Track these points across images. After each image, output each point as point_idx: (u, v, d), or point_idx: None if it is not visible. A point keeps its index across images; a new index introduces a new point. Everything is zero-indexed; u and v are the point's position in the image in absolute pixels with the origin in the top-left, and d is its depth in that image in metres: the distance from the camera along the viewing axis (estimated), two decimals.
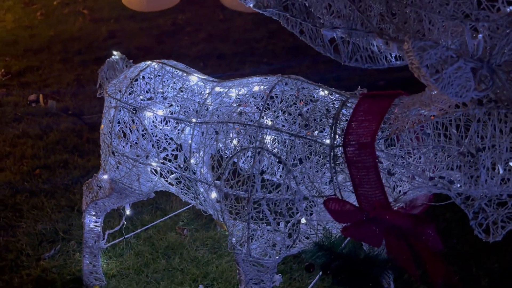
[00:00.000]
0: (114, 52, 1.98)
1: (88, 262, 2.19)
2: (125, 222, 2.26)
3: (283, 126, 1.43)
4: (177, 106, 1.68)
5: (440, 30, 1.14)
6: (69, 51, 4.68)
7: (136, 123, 1.71)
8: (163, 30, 5.12)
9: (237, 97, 1.56)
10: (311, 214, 1.42)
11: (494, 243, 2.41)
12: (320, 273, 1.51)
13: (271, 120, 1.44)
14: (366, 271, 1.38)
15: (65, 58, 4.55)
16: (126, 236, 2.36)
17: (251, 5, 1.36)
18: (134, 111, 1.71)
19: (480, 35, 1.09)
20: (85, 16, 5.57)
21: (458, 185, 1.22)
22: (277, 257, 1.52)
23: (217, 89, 1.66)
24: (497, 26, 1.05)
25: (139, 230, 2.45)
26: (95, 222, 2.10)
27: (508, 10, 1.04)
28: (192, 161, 1.62)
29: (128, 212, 2.13)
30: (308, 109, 1.42)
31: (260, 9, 1.34)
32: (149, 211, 2.64)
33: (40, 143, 3.25)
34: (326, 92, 1.47)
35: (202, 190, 1.63)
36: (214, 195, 1.58)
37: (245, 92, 1.55)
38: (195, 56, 4.49)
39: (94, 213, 2.07)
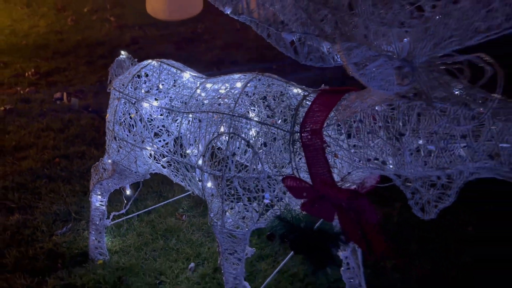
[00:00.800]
0: (122, 52, 2.26)
1: (94, 238, 2.46)
2: (125, 201, 2.54)
3: (253, 115, 1.67)
4: (170, 98, 1.94)
5: (381, 35, 1.37)
6: (94, 55, 5.03)
7: (135, 112, 1.97)
8: (183, 38, 5.44)
9: (219, 91, 1.81)
10: (274, 191, 1.65)
11: (469, 237, 2.59)
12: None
13: (244, 110, 1.68)
14: (319, 242, 1.60)
15: (90, 61, 4.91)
16: (128, 216, 2.62)
17: (228, 12, 1.60)
18: (134, 102, 1.98)
19: (405, 39, 1.31)
20: (112, 22, 5.95)
21: (390, 166, 1.43)
22: (247, 229, 1.75)
23: (205, 84, 1.91)
24: (417, 32, 1.27)
25: (141, 211, 2.71)
26: (101, 201, 2.37)
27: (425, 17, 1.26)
28: (180, 146, 1.87)
29: (128, 192, 2.39)
30: (275, 102, 1.66)
31: (235, 15, 1.58)
32: (152, 198, 2.91)
33: (61, 136, 3.57)
34: (293, 88, 1.71)
35: (187, 172, 1.88)
36: (196, 175, 1.83)
37: (227, 86, 1.80)
38: (210, 62, 4.78)
39: (99, 193, 2.34)
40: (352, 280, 2.24)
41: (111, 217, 2.49)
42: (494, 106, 1.23)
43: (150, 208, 2.74)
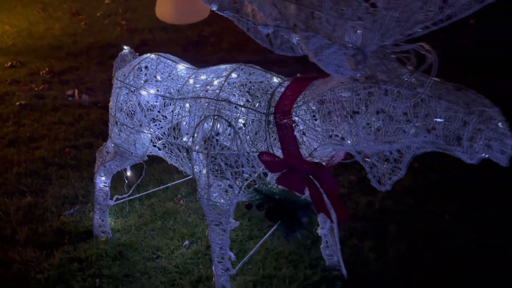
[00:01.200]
0: (124, 47, 2.51)
1: (98, 217, 2.70)
2: (129, 186, 2.78)
3: (235, 99, 1.90)
4: (166, 87, 2.17)
5: (339, 27, 1.59)
6: (105, 55, 5.31)
7: (134, 99, 2.21)
8: (190, 41, 5.70)
9: (207, 79, 2.04)
10: (253, 167, 1.88)
11: (445, 224, 2.77)
12: (276, 226, 1.96)
13: (227, 95, 1.91)
14: (290, 211, 1.82)
15: (101, 61, 5.18)
16: (131, 198, 2.85)
17: (215, 9, 1.83)
18: (133, 90, 2.22)
19: (359, 31, 1.53)
20: (123, 26, 6.23)
21: (349, 142, 1.64)
22: (229, 201, 1.97)
23: (196, 74, 2.14)
24: (367, 24, 1.49)
25: (142, 194, 2.94)
26: (104, 182, 2.61)
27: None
28: (173, 129, 2.10)
29: (129, 173, 2.63)
30: (254, 88, 1.89)
31: (220, 11, 1.81)
32: (154, 184, 3.14)
33: (72, 129, 3.83)
34: (271, 76, 1.93)
35: (180, 152, 2.11)
36: (186, 155, 2.06)
37: (214, 75, 2.03)
38: (214, 63, 5.01)
39: (103, 175, 2.58)
40: (331, 257, 2.46)
41: (114, 199, 2.72)
42: (430, 87, 1.44)
43: (150, 191, 2.97)
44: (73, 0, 7.34)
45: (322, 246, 2.44)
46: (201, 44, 5.63)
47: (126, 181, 2.72)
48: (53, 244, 2.65)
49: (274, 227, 1.94)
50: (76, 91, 4.39)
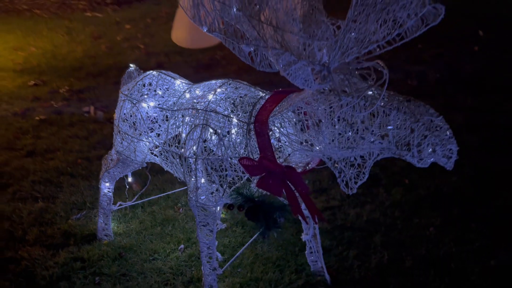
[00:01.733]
0: (131, 65, 2.76)
1: (101, 221, 2.91)
2: (134, 195, 2.99)
3: (222, 110, 2.11)
4: (164, 100, 2.40)
5: (308, 46, 1.80)
6: (122, 76, 5.60)
7: (135, 111, 2.44)
8: (202, 63, 5.99)
9: (200, 93, 2.27)
10: (235, 171, 2.07)
11: (430, 237, 2.89)
12: (260, 231, 2.14)
13: (214, 107, 2.12)
14: (268, 212, 2.00)
15: (118, 82, 5.40)
16: (133, 203, 3.05)
17: (205, 30, 2.06)
18: (135, 103, 2.45)
19: (324, 50, 1.74)
20: (141, 50, 6.57)
21: (317, 148, 1.83)
22: (215, 203, 2.16)
23: (191, 88, 2.37)
24: (330, 44, 1.70)
25: (143, 200, 3.15)
26: (108, 188, 2.83)
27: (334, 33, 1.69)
28: (170, 137, 2.32)
29: (130, 179, 2.85)
30: (239, 101, 2.10)
31: (210, 32, 2.04)
32: (156, 193, 3.35)
33: (85, 142, 4.10)
34: (255, 90, 2.14)
35: (174, 159, 2.32)
36: (179, 160, 2.27)
37: (206, 89, 2.26)
38: None
39: (107, 181, 2.80)
40: (315, 263, 2.61)
41: (117, 205, 2.94)
42: (383, 99, 1.63)
43: (151, 197, 3.18)
44: (96, 24, 7.74)
45: (306, 252, 2.60)
46: (213, 66, 5.91)
47: (127, 187, 2.94)
48: (59, 244, 2.87)
49: (258, 233, 2.11)
50: (92, 107, 4.68)
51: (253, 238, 2.55)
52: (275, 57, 1.69)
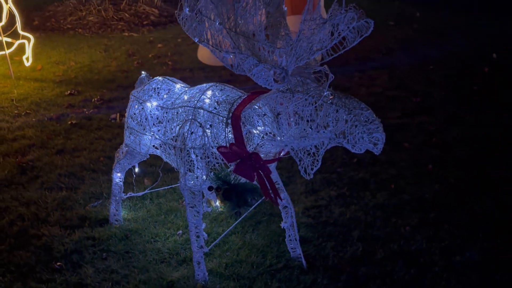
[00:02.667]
0: (142, 72, 3.21)
1: (113, 207, 3.34)
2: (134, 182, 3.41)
3: (207, 107, 2.50)
4: (164, 100, 2.82)
5: (271, 53, 2.18)
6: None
7: (141, 109, 2.87)
8: (222, 79, 6.43)
9: (192, 94, 2.67)
10: (215, 158, 2.45)
11: (404, 235, 3.17)
12: (244, 214, 2.51)
13: (201, 105, 2.52)
14: (241, 193, 2.37)
15: None
16: (143, 192, 3.48)
17: (196, 41, 2.48)
18: (141, 102, 2.89)
19: (284, 56, 2.12)
20: (169, 66, 7.10)
21: (278, 138, 2.19)
22: (200, 186, 2.54)
23: (187, 90, 2.78)
24: (287, 51, 2.08)
25: (151, 190, 3.57)
26: (119, 178, 3.26)
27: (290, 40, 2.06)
28: (168, 130, 2.73)
29: (136, 170, 3.27)
30: (222, 99, 2.49)
31: (200, 43, 2.46)
32: (165, 189, 3.77)
33: (109, 144, 4.57)
34: (236, 91, 2.53)
35: (170, 150, 2.73)
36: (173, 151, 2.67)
37: (197, 91, 2.66)
38: None
39: (118, 171, 3.24)
40: (294, 250, 2.94)
41: (127, 195, 3.37)
42: (326, 96, 1.99)
43: (159, 189, 3.60)
44: (131, 43, 8.36)
45: (286, 239, 2.93)
46: (231, 81, 6.35)
47: (134, 176, 3.36)
48: (75, 226, 3.31)
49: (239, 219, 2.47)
50: (118, 114, 5.17)
51: (233, 226, 2.90)
52: (242, 61, 2.08)
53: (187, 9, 2.34)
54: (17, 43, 6.77)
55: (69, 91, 6.00)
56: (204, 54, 7.00)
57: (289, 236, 2.90)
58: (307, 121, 2.05)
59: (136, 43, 8.36)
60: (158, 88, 2.91)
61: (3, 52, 6.54)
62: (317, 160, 2.19)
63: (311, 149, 2.19)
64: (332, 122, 1.98)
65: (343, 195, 3.65)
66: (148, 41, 8.48)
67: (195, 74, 6.65)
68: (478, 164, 4.04)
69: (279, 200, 2.70)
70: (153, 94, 2.89)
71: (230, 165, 2.44)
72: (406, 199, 3.59)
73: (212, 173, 2.47)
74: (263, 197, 2.41)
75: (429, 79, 6.08)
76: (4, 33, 6.45)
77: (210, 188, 2.46)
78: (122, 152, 3.14)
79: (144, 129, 2.87)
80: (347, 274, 2.85)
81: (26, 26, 7.01)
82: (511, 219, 3.32)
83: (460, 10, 9.53)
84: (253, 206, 2.93)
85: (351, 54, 7.04)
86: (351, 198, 3.62)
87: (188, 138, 2.51)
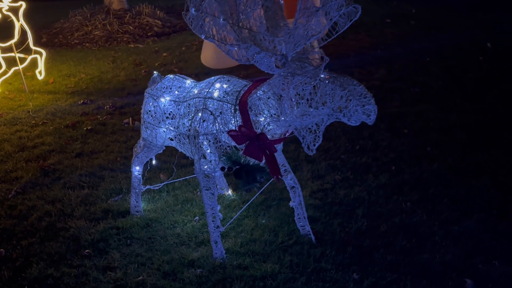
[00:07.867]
0: (154, 72, 3.48)
1: (133, 199, 3.59)
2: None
3: (216, 96, 2.76)
4: (177, 94, 3.08)
5: (273, 42, 2.43)
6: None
7: (156, 104, 3.13)
8: None
9: (202, 87, 2.93)
10: (226, 142, 2.70)
11: (408, 210, 3.38)
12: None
13: (211, 95, 2.78)
14: (250, 172, 2.61)
15: None
16: (161, 184, 3.73)
17: (203, 37, 2.74)
18: (155, 98, 3.15)
19: (283, 43, 2.37)
20: (175, 72, 7.38)
21: (282, 118, 2.43)
22: (214, 169, 2.79)
23: (197, 84, 3.04)
24: (286, 39, 2.33)
25: (168, 182, 3.82)
26: (138, 171, 3.52)
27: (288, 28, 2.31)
28: (181, 122, 2.98)
29: (154, 162, 3.53)
30: (229, 89, 2.74)
31: (206, 38, 2.71)
32: (180, 182, 4.01)
33: (124, 145, 4.84)
34: (242, 81, 2.79)
35: (184, 139, 2.98)
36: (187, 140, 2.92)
37: (206, 84, 2.92)
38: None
39: (137, 164, 3.49)
40: (304, 228, 3.18)
41: (146, 187, 3.63)
42: (323, 76, 2.24)
43: (175, 180, 3.86)
44: (137, 53, 8.67)
45: (295, 217, 3.17)
46: None
47: (149, 167, 3.62)
48: (99, 218, 3.57)
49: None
50: (131, 119, 5.45)
51: (247, 205, 3.14)
52: (245, 50, 2.33)
53: (193, 9, 2.59)
54: (30, 57, 7.08)
55: (82, 101, 6.29)
56: (207, 57, 7.26)
57: (298, 214, 3.14)
58: (307, 99, 2.30)
59: (142, 53, 8.66)
60: (169, 84, 3.17)
61: (16, 68, 6.85)
62: (318, 137, 2.43)
63: (312, 126, 2.43)
64: (329, 99, 2.22)
65: (347, 178, 3.88)
66: (153, 51, 8.78)
67: (200, 79, 6.86)
68: (474, 146, 4.26)
69: (287, 181, 2.95)
70: (165, 90, 3.15)
71: (240, 149, 2.69)
72: (407, 178, 3.82)
73: (224, 157, 2.71)
74: (271, 179, 2.65)
75: (427, 71, 6.31)
76: (16, 49, 6.75)
77: (222, 169, 2.71)
78: (140, 146, 3.40)
79: (159, 123, 3.13)
80: (353, 246, 3.08)
81: (35, 44, 7.32)
82: (505, 193, 3.54)
83: (453, 5, 9.78)
84: (262, 189, 3.17)
85: (350, 51, 7.31)
86: (355, 181, 3.85)
87: (200, 126, 2.76)
